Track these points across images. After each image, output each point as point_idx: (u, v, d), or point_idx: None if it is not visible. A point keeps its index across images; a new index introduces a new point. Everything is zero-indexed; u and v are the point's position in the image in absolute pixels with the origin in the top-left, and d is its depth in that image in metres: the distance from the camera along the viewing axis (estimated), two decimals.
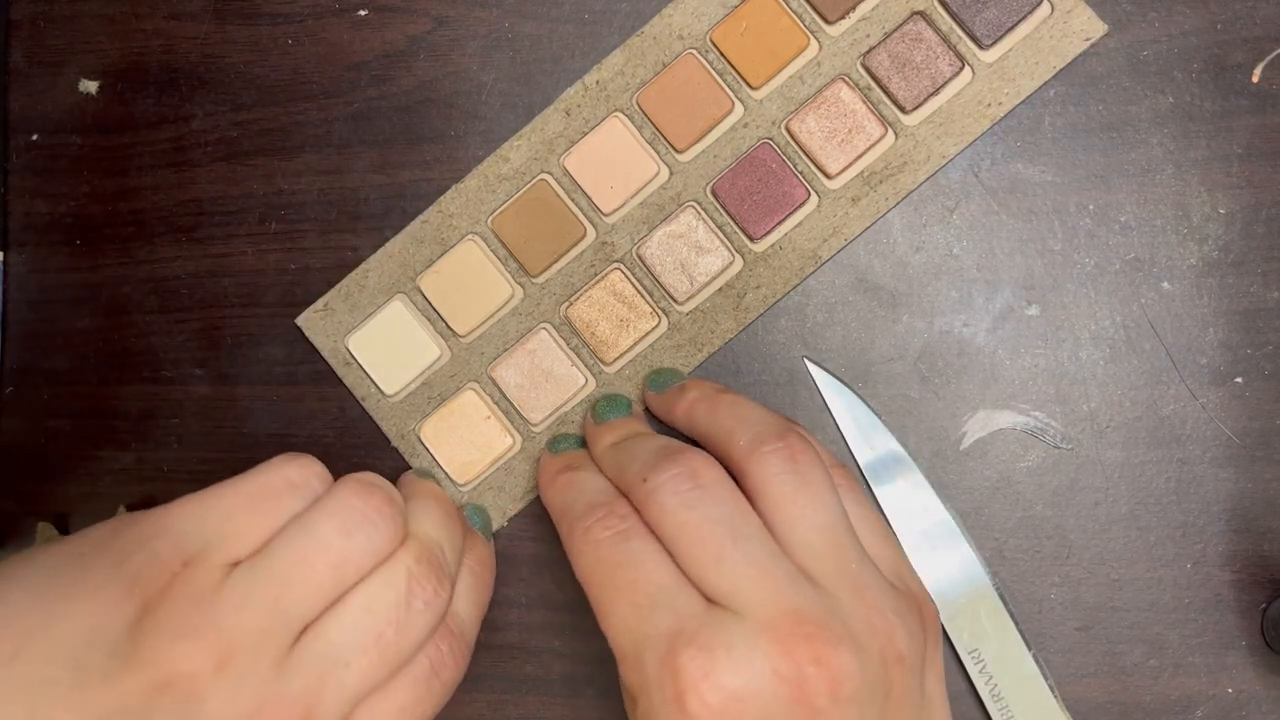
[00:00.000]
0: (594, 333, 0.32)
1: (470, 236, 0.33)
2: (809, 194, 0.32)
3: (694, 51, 0.32)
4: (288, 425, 0.35)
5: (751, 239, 0.32)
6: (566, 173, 0.32)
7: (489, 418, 0.33)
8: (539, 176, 0.32)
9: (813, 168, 0.32)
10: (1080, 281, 0.32)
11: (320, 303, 0.33)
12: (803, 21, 0.32)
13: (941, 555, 0.32)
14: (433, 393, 0.33)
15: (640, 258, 0.32)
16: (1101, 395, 0.32)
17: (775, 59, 0.32)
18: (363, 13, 0.35)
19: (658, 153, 0.32)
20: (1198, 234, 0.32)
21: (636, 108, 0.32)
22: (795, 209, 0.32)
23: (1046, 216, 0.33)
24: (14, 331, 0.37)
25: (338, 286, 0.33)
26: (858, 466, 0.33)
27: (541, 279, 0.32)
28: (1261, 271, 0.32)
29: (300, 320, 0.34)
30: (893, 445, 0.33)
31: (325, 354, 0.33)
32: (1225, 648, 0.31)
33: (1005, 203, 0.33)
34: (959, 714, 0.32)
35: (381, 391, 0.33)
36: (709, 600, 0.25)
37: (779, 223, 0.32)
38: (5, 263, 0.37)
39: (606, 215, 0.32)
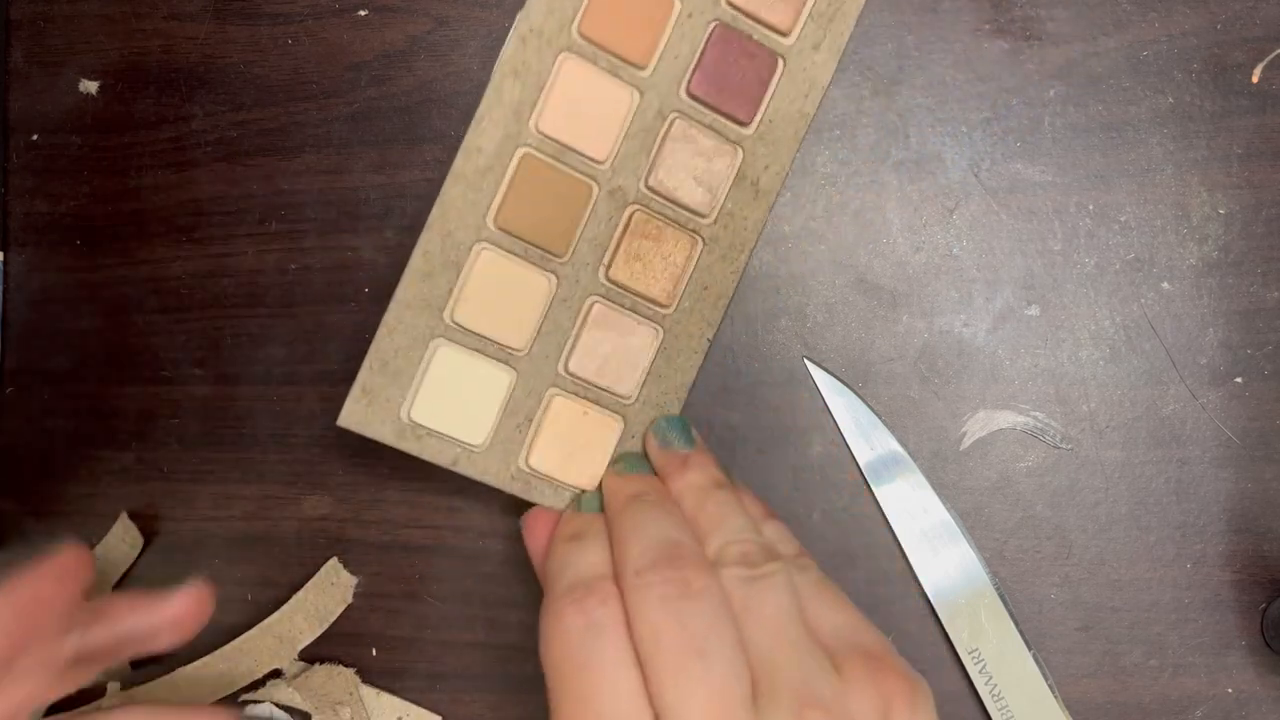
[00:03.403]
0: (642, 283, 0.30)
1: (481, 246, 0.30)
2: (775, 58, 0.30)
3: None
4: (288, 425, 0.35)
5: (743, 124, 0.30)
6: (545, 136, 0.29)
7: (586, 413, 0.30)
8: (520, 153, 0.29)
9: (767, 32, 0.30)
10: (1080, 281, 0.32)
11: (356, 390, 0.29)
12: None
13: (941, 555, 0.32)
14: (520, 419, 0.30)
15: (653, 189, 0.30)
16: (1101, 395, 0.32)
17: None
18: (363, 13, 0.35)
19: (622, 78, 0.30)
20: (1198, 234, 0.32)
21: (582, 40, 0.29)
22: (770, 78, 0.30)
23: (1046, 217, 0.33)
24: (14, 331, 0.37)
25: (366, 363, 0.29)
26: (858, 466, 0.33)
27: (569, 256, 0.30)
28: (1261, 271, 0.32)
29: (344, 420, 0.29)
30: (893, 445, 0.33)
31: (390, 441, 0.29)
32: (1225, 648, 0.32)
33: (1005, 203, 0.33)
34: (959, 714, 0.32)
35: (470, 446, 0.30)
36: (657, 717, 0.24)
37: (761, 97, 0.30)
38: (5, 263, 0.37)
39: (602, 163, 0.30)
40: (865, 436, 0.33)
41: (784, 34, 0.30)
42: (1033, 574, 0.32)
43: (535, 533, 0.29)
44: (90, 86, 0.36)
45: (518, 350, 0.30)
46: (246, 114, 0.35)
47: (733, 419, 0.33)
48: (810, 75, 0.31)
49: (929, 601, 0.32)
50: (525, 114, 0.29)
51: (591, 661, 0.25)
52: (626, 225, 0.30)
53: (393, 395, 0.29)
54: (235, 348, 0.35)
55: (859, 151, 0.33)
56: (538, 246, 0.30)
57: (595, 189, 0.30)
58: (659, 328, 0.31)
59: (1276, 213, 0.32)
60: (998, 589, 0.32)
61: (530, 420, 0.30)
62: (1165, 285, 0.32)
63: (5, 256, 0.37)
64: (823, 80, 0.31)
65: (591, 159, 0.30)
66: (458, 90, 0.35)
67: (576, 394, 0.30)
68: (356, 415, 0.29)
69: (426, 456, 0.29)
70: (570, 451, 0.30)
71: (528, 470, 0.30)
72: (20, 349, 0.37)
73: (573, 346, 0.30)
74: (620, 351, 0.30)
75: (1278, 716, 0.31)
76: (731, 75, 0.30)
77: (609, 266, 0.30)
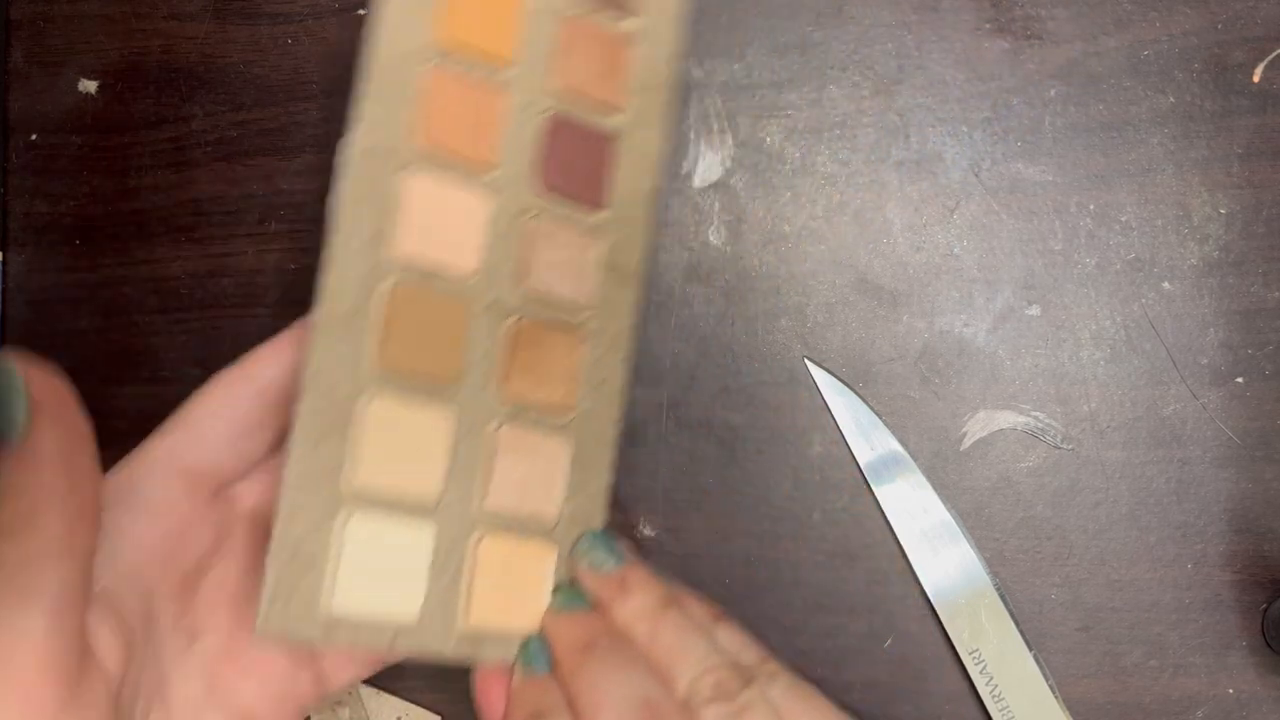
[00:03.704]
0: (542, 393, 0.28)
1: (368, 398, 0.26)
2: (610, 140, 0.29)
3: (434, 64, 0.27)
4: None
5: (597, 210, 0.29)
6: (407, 262, 0.26)
7: (517, 550, 0.27)
8: (385, 286, 0.26)
9: (600, 107, 0.29)
10: (1081, 281, 0.32)
11: (268, 593, 0.24)
12: None
13: (942, 555, 0.32)
14: (450, 575, 0.27)
15: (529, 293, 0.28)
16: (1102, 395, 0.32)
17: (505, 20, 0.28)
18: (362, 12, 0.35)
19: (472, 184, 0.28)
20: (1198, 234, 0.32)
21: (419, 152, 0.27)
22: (611, 160, 0.29)
23: (1047, 216, 0.33)
24: (13, 332, 0.37)
25: (270, 561, 0.24)
26: (858, 466, 0.33)
27: (460, 382, 0.27)
28: (1262, 271, 0.32)
29: (262, 629, 0.24)
30: (893, 445, 0.32)
31: (319, 641, 0.25)
32: (1226, 648, 0.31)
33: (1006, 203, 0.33)
34: (959, 714, 0.32)
35: (406, 623, 0.26)
36: None
37: (607, 180, 0.29)
38: (5, 263, 0.37)
39: (471, 277, 0.27)
40: (865, 436, 0.33)
41: (619, 109, 0.29)
42: (1033, 574, 0.32)
43: (490, 698, 0.27)
44: (90, 86, 0.36)
45: (431, 499, 0.26)
46: (246, 114, 0.35)
47: (733, 419, 0.33)
48: (645, 150, 0.30)
49: (929, 601, 0.32)
50: (380, 243, 0.26)
51: None
52: (512, 337, 0.28)
53: (309, 586, 0.25)
54: (235, 348, 0.35)
55: (859, 151, 0.33)
56: (426, 380, 0.27)
57: (472, 306, 0.28)
58: (567, 436, 0.28)
59: (1277, 212, 0.32)
60: (998, 589, 0.32)
61: (460, 573, 0.27)
62: (1166, 285, 0.32)
63: (5, 256, 0.37)
64: (656, 152, 0.30)
65: (460, 276, 0.27)
66: None
67: (502, 531, 0.27)
68: (275, 621, 0.24)
69: (361, 645, 0.26)
70: (509, 595, 0.27)
71: (470, 631, 0.26)
72: (20, 349, 0.37)
73: (487, 480, 0.27)
74: (536, 472, 0.28)
75: (1278, 717, 0.31)
76: (577, 162, 0.29)
77: (506, 384, 0.28)
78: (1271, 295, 0.32)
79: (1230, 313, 0.32)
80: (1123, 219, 0.32)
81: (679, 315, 0.34)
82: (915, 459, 0.32)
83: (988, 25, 0.33)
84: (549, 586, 0.27)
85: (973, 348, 0.33)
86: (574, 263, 0.29)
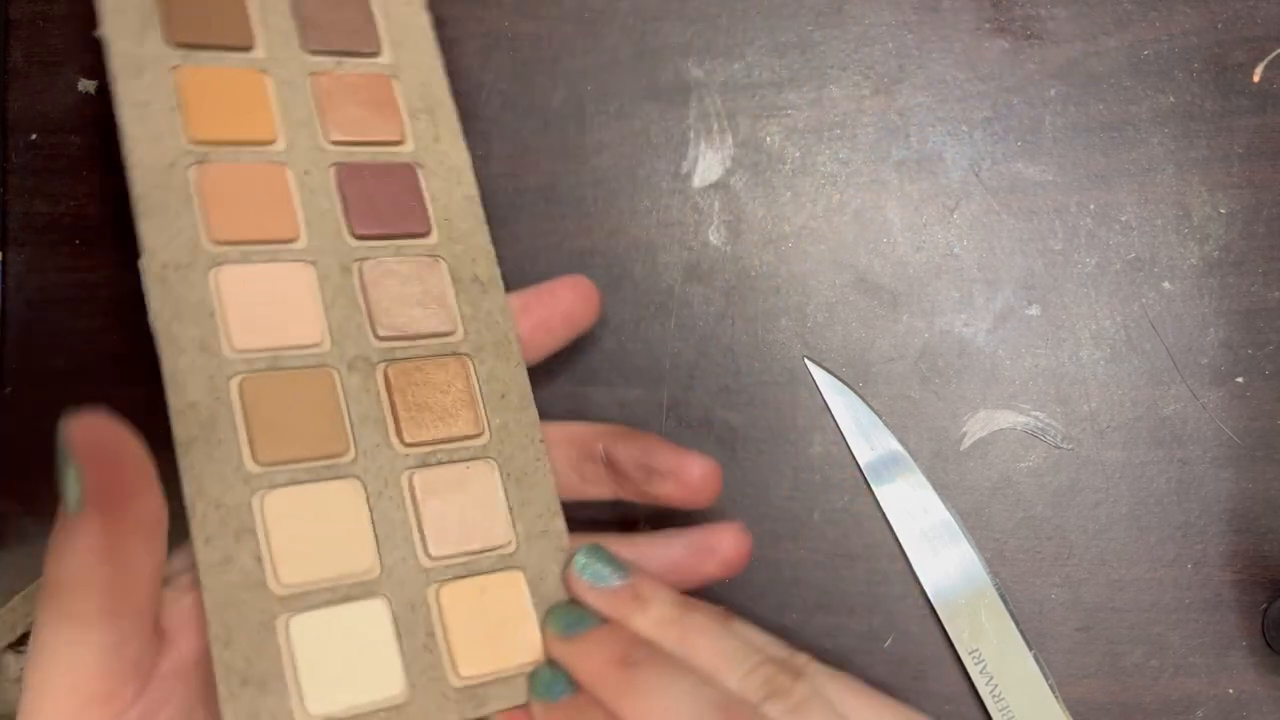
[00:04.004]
0: (443, 428, 0.27)
1: (258, 496, 0.24)
2: (409, 167, 0.29)
3: (200, 164, 0.27)
4: None
5: (424, 236, 0.29)
6: (249, 353, 0.25)
7: (484, 589, 0.26)
8: (235, 383, 0.25)
9: (384, 149, 0.29)
10: (1081, 281, 0.32)
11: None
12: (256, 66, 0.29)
13: (942, 555, 0.32)
14: (421, 636, 0.25)
15: (389, 338, 0.27)
16: (1102, 395, 0.32)
17: (253, 101, 0.28)
18: None
19: (285, 258, 0.27)
20: (1199, 234, 0.32)
21: (221, 247, 0.26)
22: (419, 185, 0.29)
23: (1047, 216, 0.33)
24: (13, 332, 0.37)
25: (222, 693, 0.22)
26: (858, 466, 0.33)
27: (354, 450, 0.26)
28: (1262, 271, 0.32)
29: None
30: (893, 445, 0.32)
31: None
32: (1226, 648, 0.31)
33: (1006, 202, 0.33)
34: (960, 714, 0.32)
35: (395, 701, 0.24)
36: None
37: (422, 205, 0.29)
38: (4, 262, 0.37)
39: (320, 344, 0.26)
40: (865, 436, 0.33)
41: (399, 142, 0.29)
42: (1033, 574, 0.32)
43: None
44: (89, 86, 0.36)
45: (371, 575, 0.25)
46: None
47: (733, 419, 0.33)
48: (448, 163, 0.30)
49: (929, 601, 0.32)
50: (213, 345, 0.25)
51: None
52: (388, 386, 0.27)
53: (276, 704, 0.23)
54: None
55: (859, 151, 0.33)
56: (317, 460, 0.25)
57: (335, 372, 0.26)
58: (488, 459, 0.27)
59: (1277, 212, 0.32)
60: (998, 589, 0.32)
61: (432, 632, 0.25)
62: (1166, 285, 0.32)
63: (4, 256, 0.37)
64: (461, 161, 0.30)
65: (310, 346, 0.26)
66: (457, 90, 0.34)
67: (459, 575, 0.26)
68: None
69: None
70: (494, 636, 0.25)
71: (466, 684, 0.25)
72: (19, 349, 0.37)
73: (421, 532, 0.26)
74: (470, 505, 0.26)
75: (1278, 717, 0.31)
76: (381, 201, 0.28)
77: (401, 434, 0.26)
78: (1272, 295, 0.32)
79: (1230, 312, 0.32)
80: (1123, 219, 0.32)
81: (679, 315, 0.34)
82: (915, 459, 0.32)
83: (988, 25, 0.33)
84: (532, 613, 0.26)
85: (973, 347, 0.33)
86: (421, 293, 0.28)
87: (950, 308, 0.33)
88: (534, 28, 0.34)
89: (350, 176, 0.28)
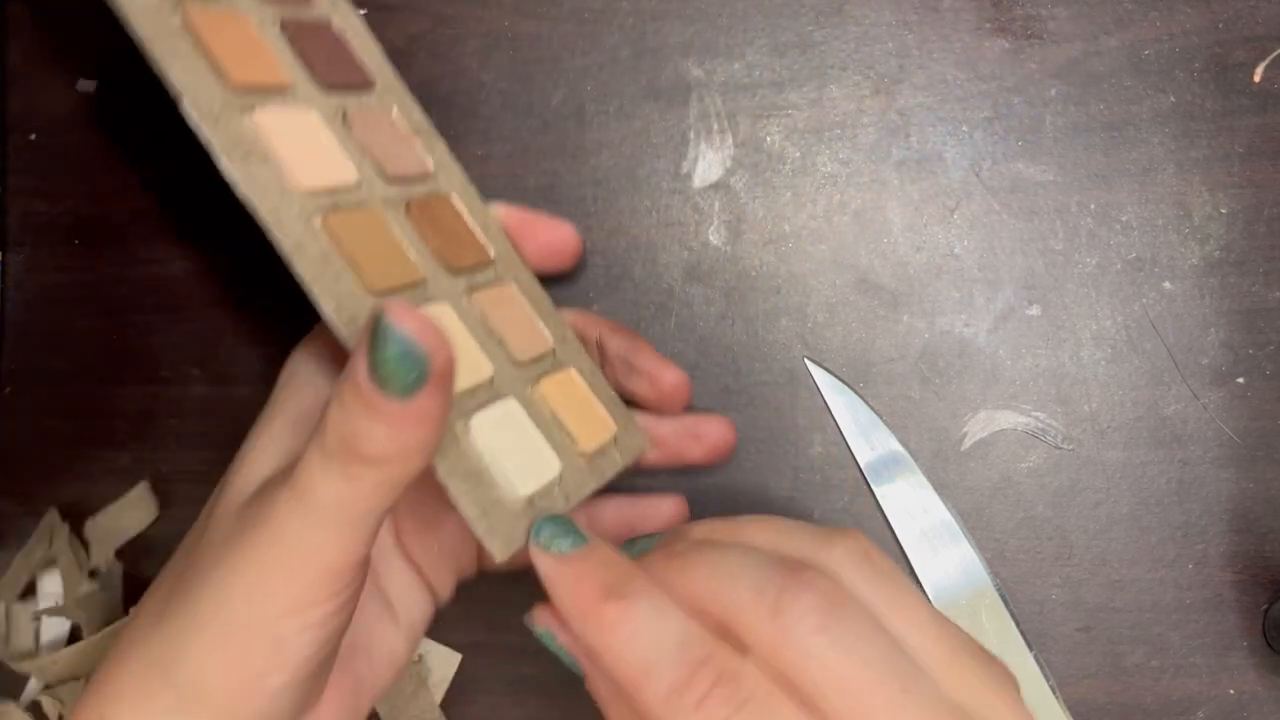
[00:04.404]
0: (466, 258, 0.28)
1: None
2: (324, 21, 0.29)
3: (183, 7, 0.25)
4: None
5: (370, 86, 0.29)
6: (313, 192, 0.25)
7: (561, 381, 0.29)
8: (317, 220, 0.25)
9: (307, 10, 0.29)
10: (1082, 281, 0.32)
11: (483, 526, 0.24)
12: None
13: (942, 556, 0.32)
14: (547, 426, 0.28)
15: (395, 181, 0.28)
16: (1103, 395, 0.32)
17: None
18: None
19: (292, 105, 0.27)
20: (1199, 233, 0.32)
21: (239, 94, 0.25)
22: (347, 40, 0.29)
23: (1048, 216, 0.32)
24: (12, 331, 0.37)
25: (459, 500, 0.25)
26: (858, 466, 0.33)
27: (427, 279, 0.27)
28: (1263, 271, 0.32)
29: (504, 553, 0.25)
30: (893, 445, 0.32)
31: (533, 528, 0.25)
32: (1227, 648, 0.31)
33: (1006, 202, 0.33)
34: None
35: (559, 480, 0.27)
36: None
37: (354, 59, 0.29)
38: (4, 262, 0.37)
39: (360, 184, 0.27)
40: (866, 436, 0.33)
41: (311, 4, 0.29)
42: (1034, 574, 0.32)
43: (551, 620, 0.24)
44: (88, 86, 0.36)
45: (489, 378, 0.27)
46: None
47: (733, 419, 0.33)
48: (354, 27, 0.30)
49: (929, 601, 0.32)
50: (287, 185, 0.25)
51: None
52: (416, 222, 0.28)
53: (495, 493, 0.25)
54: (234, 347, 0.35)
55: (860, 150, 0.33)
56: (409, 288, 0.26)
57: (382, 211, 0.27)
58: (506, 281, 0.30)
59: (1278, 212, 0.32)
60: (998, 589, 0.32)
61: (550, 420, 0.28)
62: (1167, 285, 0.32)
63: (4, 256, 0.37)
64: (360, 24, 0.30)
65: (352, 187, 0.27)
66: (457, 89, 0.34)
67: (540, 375, 0.29)
68: (501, 536, 0.24)
69: (549, 513, 0.26)
70: (585, 417, 0.29)
71: (587, 457, 0.28)
72: (19, 349, 0.37)
73: (503, 343, 0.28)
74: (517, 318, 0.29)
75: (1279, 718, 0.31)
76: (329, 56, 0.28)
77: (449, 263, 0.28)
78: (1272, 295, 0.32)
79: (1231, 312, 0.32)
80: (1123, 219, 0.32)
81: (679, 315, 0.34)
82: (915, 459, 0.32)
83: (988, 25, 0.33)
84: (594, 398, 0.30)
85: (973, 348, 0.33)
86: (395, 139, 0.29)
87: (951, 308, 0.33)
88: (534, 27, 0.34)
89: (297, 33, 0.28)
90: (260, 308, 0.35)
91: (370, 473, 0.21)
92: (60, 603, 0.36)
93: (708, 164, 0.34)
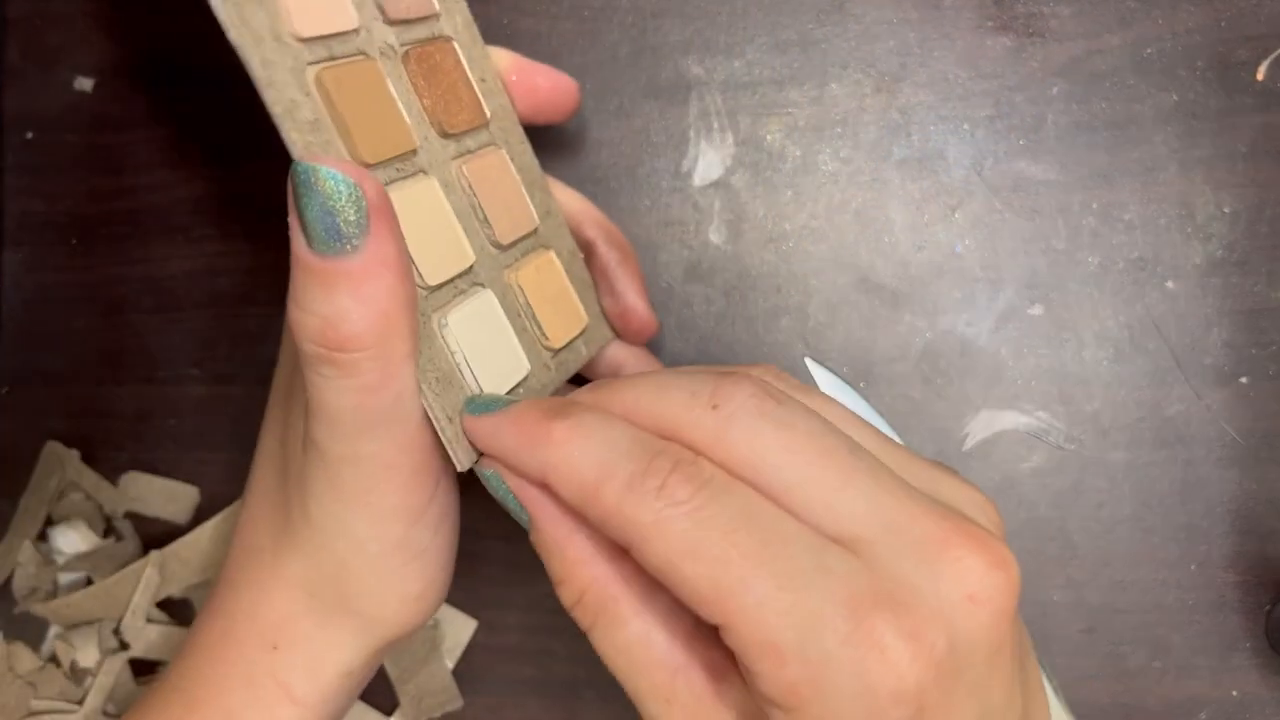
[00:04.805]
0: (461, 117, 0.27)
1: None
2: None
3: None
4: None
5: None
6: (310, 40, 0.24)
7: (537, 265, 0.28)
8: (312, 73, 0.24)
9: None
10: (1084, 281, 0.32)
11: (449, 433, 0.24)
12: None
13: None
14: (520, 320, 0.27)
15: (395, 24, 0.26)
16: (1105, 396, 0.32)
17: None
18: None
19: None
20: (1202, 233, 0.32)
21: None
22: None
23: (1050, 215, 0.32)
24: (9, 331, 0.37)
25: (427, 404, 0.24)
26: None
27: (417, 145, 0.26)
28: (1266, 271, 0.32)
29: (469, 460, 0.24)
30: None
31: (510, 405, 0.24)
32: (1229, 650, 0.31)
33: (1008, 201, 0.32)
34: None
35: (525, 382, 0.26)
36: (837, 541, 0.19)
37: None
38: (1, 262, 0.37)
39: (359, 29, 0.25)
40: None
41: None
42: (1036, 575, 0.32)
43: (499, 465, 0.23)
44: (85, 84, 0.36)
45: (472, 266, 0.26)
46: (243, 112, 0.35)
47: None
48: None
49: None
50: (282, 33, 0.24)
51: (737, 516, 0.19)
52: (413, 73, 0.26)
53: (459, 397, 0.24)
54: (232, 347, 0.35)
55: (861, 149, 0.33)
56: (399, 158, 0.25)
57: (378, 64, 0.26)
58: (496, 145, 0.28)
59: None
60: None
61: (522, 312, 0.27)
62: (1170, 284, 0.32)
63: (1, 256, 0.37)
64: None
65: (350, 32, 0.25)
66: None
67: (519, 257, 0.28)
68: (465, 446, 0.24)
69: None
70: (556, 308, 0.28)
71: (554, 352, 0.27)
72: (16, 349, 0.37)
73: (486, 221, 0.27)
74: (503, 190, 0.27)
75: None
76: None
77: (441, 124, 0.26)
78: (1275, 295, 0.32)
79: (1234, 312, 0.32)
80: (1126, 218, 0.32)
81: (679, 315, 0.34)
82: None
83: (990, 23, 0.33)
84: (570, 286, 0.29)
85: (975, 347, 0.32)
86: None
87: (952, 307, 0.33)
88: (533, 25, 0.34)
89: None
90: (260, 308, 0.35)
91: (364, 360, 0.21)
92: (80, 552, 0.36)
93: (708, 162, 0.34)
